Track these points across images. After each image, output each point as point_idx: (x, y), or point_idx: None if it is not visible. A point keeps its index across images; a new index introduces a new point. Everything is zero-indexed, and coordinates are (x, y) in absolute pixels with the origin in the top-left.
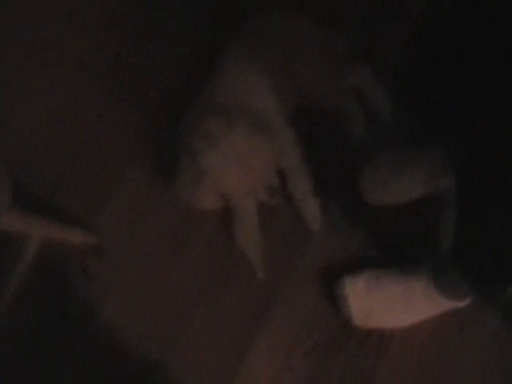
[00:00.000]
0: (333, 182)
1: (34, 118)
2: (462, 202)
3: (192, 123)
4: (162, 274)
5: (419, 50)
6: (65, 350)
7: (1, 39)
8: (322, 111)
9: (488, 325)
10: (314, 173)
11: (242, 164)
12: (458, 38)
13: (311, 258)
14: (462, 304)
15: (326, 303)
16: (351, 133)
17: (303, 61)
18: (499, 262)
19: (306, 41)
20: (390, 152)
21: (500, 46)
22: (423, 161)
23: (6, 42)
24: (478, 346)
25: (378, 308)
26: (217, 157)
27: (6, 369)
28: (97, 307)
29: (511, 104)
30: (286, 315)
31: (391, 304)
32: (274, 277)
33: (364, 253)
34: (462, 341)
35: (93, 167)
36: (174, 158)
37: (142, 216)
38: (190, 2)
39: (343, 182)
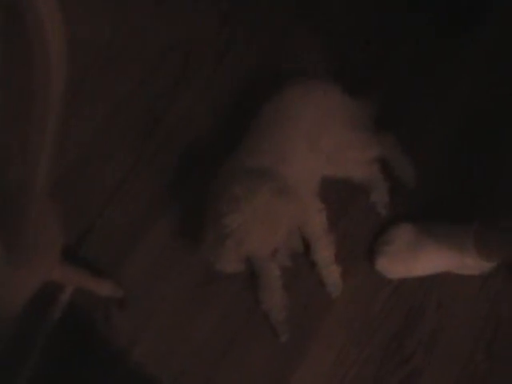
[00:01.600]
0: (356, 251)
1: (63, 163)
2: None
3: (220, 186)
4: (185, 332)
5: None
6: None
7: None
8: (347, 181)
9: None
10: (338, 241)
11: (264, 227)
12: None
13: (332, 323)
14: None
15: (346, 366)
16: (374, 203)
17: (336, 129)
18: None
19: (336, 110)
20: (411, 225)
21: None
22: (450, 239)
23: None
24: None
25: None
26: (240, 220)
27: None
28: (119, 361)
29: None
30: (307, 378)
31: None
32: (295, 340)
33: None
34: None
35: (120, 219)
36: (201, 218)
37: (167, 272)
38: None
39: (366, 253)
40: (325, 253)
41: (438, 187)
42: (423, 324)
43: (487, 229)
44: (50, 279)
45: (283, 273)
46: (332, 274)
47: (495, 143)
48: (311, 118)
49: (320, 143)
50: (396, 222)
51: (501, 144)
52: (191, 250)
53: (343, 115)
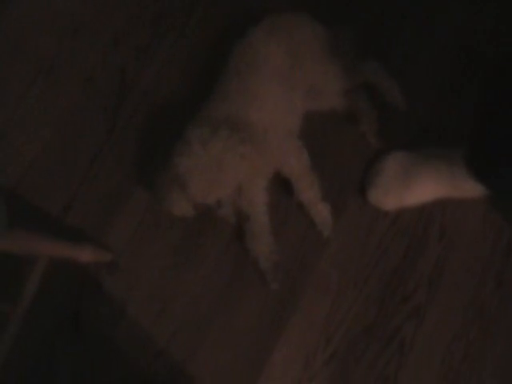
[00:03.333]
0: (348, 185)
1: (44, 139)
2: None
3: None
4: (177, 287)
5: None
6: (81, 367)
7: (8, 60)
8: (333, 114)
9: None
10: (328, 176)
11: (210, 176)
12: None
13: (327, 265)
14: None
15: (344, 310)
16: (365, 132)
17: (311, 61)
18: None
19: (313, 41)
20: (401, 153)
21: None
22: (441, 164)
23: (13, 63)
24: None
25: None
26: (188, 163)
27: None
28: (113, 324)
29: None
30: (303, 324)
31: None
32: (289, 286)
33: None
34: None
35: (101, 187)
36: None
37: (153, 231)
38: (192, 16)
39: (358, 186)
40: (309, 193)
41: (427, 113)
42: (426, 256)
43: (476, 151)
44: (16, 251)
45: (272, 218)
46: (320, 212)
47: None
48: (281, 55)
49: (295, 79)
50: (386, 151)
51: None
52: None
53: (317, 46)
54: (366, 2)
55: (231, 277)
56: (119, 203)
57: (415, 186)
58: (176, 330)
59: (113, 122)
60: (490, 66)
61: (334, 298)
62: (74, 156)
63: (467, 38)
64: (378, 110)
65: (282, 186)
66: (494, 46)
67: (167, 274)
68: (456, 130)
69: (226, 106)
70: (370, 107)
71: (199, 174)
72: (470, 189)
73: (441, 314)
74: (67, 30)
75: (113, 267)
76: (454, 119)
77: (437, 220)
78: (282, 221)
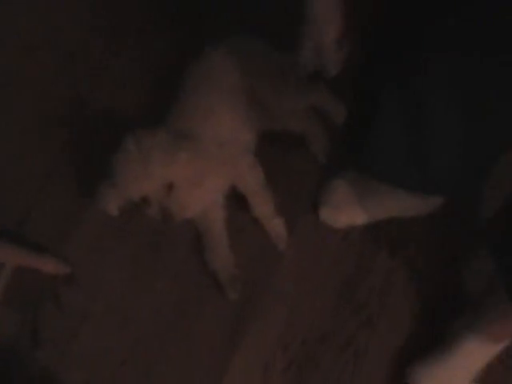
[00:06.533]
0: (301, 203)
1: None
2: None
3: None
4: (136, 299)
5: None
6: (40, 380)
7: None
8: (286, 134)
9: None
10: (281, 194)
11: (139, 167)
12: None
13: (282, 276)
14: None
15: (300, 318)
16: (317, 152)
17: (264, 82)
18: None
19: (265, 64)
20: (352, 173)
21: None
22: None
23: None
24: None
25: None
26: (119, 157)
27: None
28: (72, 336)
29: None
30: (260, 333)
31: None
32: (247, 296)
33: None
34: None
35: (58, 198)
36: None
37: (111, 243)
38: (150, 32)
39: (311, 202)
40: (263, 207)
41: None
42: (376, 269)
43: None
44: None
45: (229, 231)
46: (275, 226)
47: None
48: (238, 75)
49: (250, 98)
50: (337, 171)
51: None
52: (132, 218)
53: (271, 69)
54: None
55: (190, 288)
56: (75, 216)
57: (365, 206)
58: (136, 341)
59: (68, 137)
60: None
61: (291, 307)
62: (29, 171)
63: None
64: (330, 132)
65: (238, 200)
66: None
67: (126, 286)
68: None
69: (182, 122)
70: (322, 128)
71: (127, 166)
72: (415, 207)
73: (391, 322)
74: (24, 47)
75: (71, 279)
76: None
77: (385, 234)
78: (239, 234)
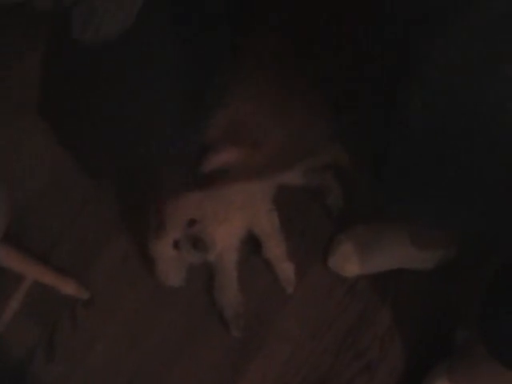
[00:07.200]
0: (312, 251)
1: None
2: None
3: None
4: (147, 326)
5: None
6: None
7: None
8: (303, 188)
9: None
10: (294, 241)
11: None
12: None
13: (287, 318)
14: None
15: (301, 360)
16: (331, 206)
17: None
18: None
19: None
20: (363, 225)
21: None
22: (396, 238)
23: None
24: None
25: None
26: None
27: None
28: (84, 354)
29: None
30: (262, 370)
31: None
32: (251, 334)
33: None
34: None
35: (91, 224)
36: None
37: (131, 278)
38: None
39: (322, 252)
40: (276, 251)
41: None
42: (379, 319)
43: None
44: (6, 266)
45: (240, 271)
46: (285, 270)
47: None
48: None
49: None
50: (348, 224)
51: None
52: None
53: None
54: None
55: (198, 322)
56: (102, 246)
57: (374, 258)
58: (142, 367)
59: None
60: None
61: (293, 348)
62: (69, 194)
63: None
64: (344, 188)
65: (252, 243)
66: None
67: (139, 314)
68: None
69: None
70: (337, 184)
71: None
72: (422, 261)
73: (391, 371)
74: None
75: (89, 303)
76: None
77: (392, 286)
78: (249, 275)
